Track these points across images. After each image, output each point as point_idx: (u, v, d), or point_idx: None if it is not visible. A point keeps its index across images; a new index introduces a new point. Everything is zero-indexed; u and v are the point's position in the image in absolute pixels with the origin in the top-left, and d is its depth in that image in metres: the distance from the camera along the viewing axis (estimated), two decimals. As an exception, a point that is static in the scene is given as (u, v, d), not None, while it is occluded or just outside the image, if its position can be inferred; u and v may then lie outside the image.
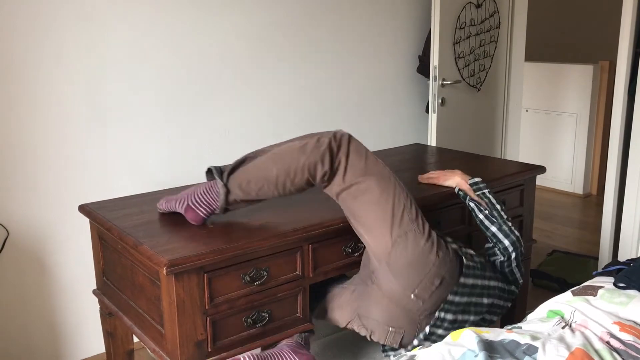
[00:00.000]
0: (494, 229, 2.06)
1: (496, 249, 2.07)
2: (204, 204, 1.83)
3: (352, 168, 1.83)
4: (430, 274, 1.82)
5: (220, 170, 1.86)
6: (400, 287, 1.83)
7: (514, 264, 2.08)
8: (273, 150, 1.88)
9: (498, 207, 2.07)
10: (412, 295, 1.83)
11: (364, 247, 1.93)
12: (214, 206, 1.83)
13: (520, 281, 2.12)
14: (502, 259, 2.06)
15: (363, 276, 1.98)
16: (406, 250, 1.80)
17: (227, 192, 1.81)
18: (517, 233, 2.07)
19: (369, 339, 1.93)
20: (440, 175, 2.27)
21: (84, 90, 2.47)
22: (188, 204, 1.85)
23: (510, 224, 2.07)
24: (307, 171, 1.81)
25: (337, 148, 1.83)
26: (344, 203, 1.86)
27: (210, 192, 1.84)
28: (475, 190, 2.12)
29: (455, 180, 2.19)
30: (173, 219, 1.93)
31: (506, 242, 2.05)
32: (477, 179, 2.14)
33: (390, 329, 1.88)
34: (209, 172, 1.89)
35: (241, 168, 1.85)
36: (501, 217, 2.06)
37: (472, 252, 2.01)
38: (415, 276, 1.82)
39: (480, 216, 2.07)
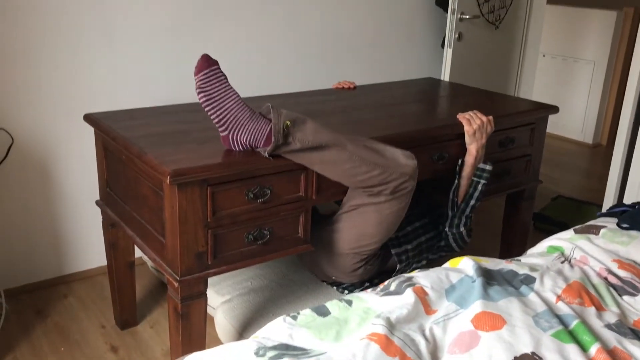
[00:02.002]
0: (450, 213, 2.17)
1: (440, 221, 2.22)
2: (245, 145, 1.70)
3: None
4: None
5: (285, 140, 1.69)
6: None
7: (449, 239, 2.22)
8: (352, 159, 1.76)
9: (472, 202, 2.16)
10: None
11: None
12: (251, 148, 1.73)
13: (452, 249, 2.25)
14: (440, 229, 2.23)
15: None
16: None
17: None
18: (462, 231, 2.18)
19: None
20: (473, 123, 2.11)
21: (96, 2, 2.42)
22: (231, 135, 1.69)
23: (464, 221, 2.17)
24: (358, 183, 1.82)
25: (398, 185, 1.82)
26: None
27: (256, 140, 1.69)
28: (475, 174, 2.14)
29: (471, 146, 2.12)
30: (180, 131, 1.91)
31: (447, 229, 2.19)
32: (488, 167, 2.15)
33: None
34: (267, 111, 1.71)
35: (316, 154, 1.73)
36: (463, 212, 2.16)
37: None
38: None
39: (451, 196, 2.16)
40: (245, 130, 1.69)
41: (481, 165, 2.16)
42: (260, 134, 1.69)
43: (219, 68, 1.69)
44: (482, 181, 2.16)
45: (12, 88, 2.33)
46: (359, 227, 1.92)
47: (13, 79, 2.33)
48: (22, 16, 2.29)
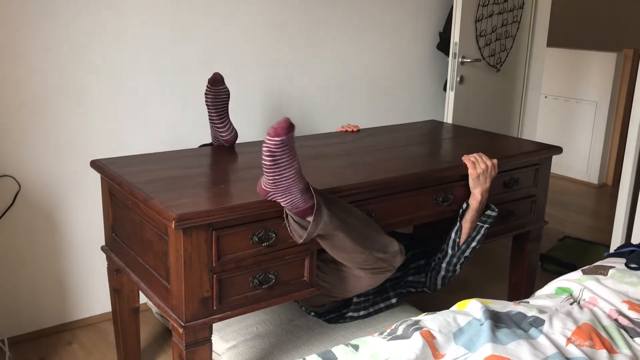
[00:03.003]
0: (450, 252, 2.20)
1: (435, 260, 2.26)
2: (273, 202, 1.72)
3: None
4: None
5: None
6: None
7: (438, 276, 2.26)
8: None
9: (473, 245, 2.18)
10: None
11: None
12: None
13: (436, 286, 2.30)
14: (432, 265, 2.28)
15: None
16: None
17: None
18: (457, 270, 2.23)
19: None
20: (478, 167, 2.12)
21: (100, 48, 2.46)
22: (272, 195, 1.68)
23: (462, 260, 2.20)
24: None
25: (383, 271, 1.93)
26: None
27: (292, 207, 1.69)
28: (480, 219, 2.16)
29: (476, 190, 2.12)
30: (185, 176, 1.92)
31: (443, 266, 2.23)
32: (494, 213, 2.17)
33: None
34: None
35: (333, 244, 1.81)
36: (463, 252, 2.19)
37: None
38: None
39: (454, 236, 2.17)
40: (289, 198, 1.67)
41: (488, 212, 2.17)
42: (300, 205, 1.68)
43: (294, 134, 1.65)
44: (486, 225, 2.17)
45: (19, 135, 2.36)
46: (336, 284, 1.98)
47: (19, 126, 2.36)
48: (27, 62, 2.33)
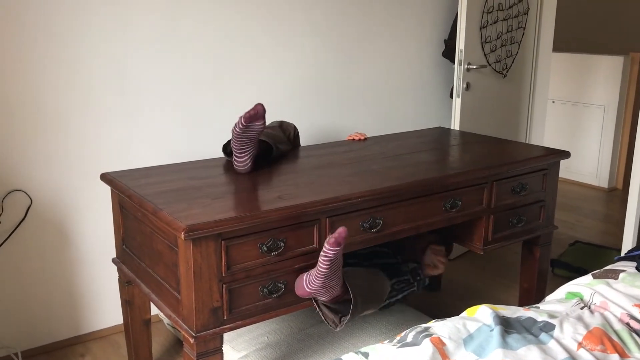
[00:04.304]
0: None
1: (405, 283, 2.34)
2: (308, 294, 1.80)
3: None
4: None
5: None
6: None
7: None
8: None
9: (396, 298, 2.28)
10: None
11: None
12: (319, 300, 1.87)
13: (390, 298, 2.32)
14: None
15: None
16: None
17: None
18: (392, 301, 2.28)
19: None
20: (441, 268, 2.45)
21: (109, 61, 2.49)
22: (314, 294, 1.79)
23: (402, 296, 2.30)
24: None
25: None
26: None
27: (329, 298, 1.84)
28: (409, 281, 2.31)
29: (433, 272, 2.43)
30: (193, 187, 1.94)
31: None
32: (414, 286, 2.34)
33: None
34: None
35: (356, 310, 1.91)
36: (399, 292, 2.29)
37: None
38: None
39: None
40: (331, 293, 1.79)
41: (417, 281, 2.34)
42: (337, 294, 1.82)
43: None
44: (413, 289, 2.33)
45: (30, 150, 2.39)
46: None
47: (30, 141, 2.39)
48: (36, 77, 2.36)
